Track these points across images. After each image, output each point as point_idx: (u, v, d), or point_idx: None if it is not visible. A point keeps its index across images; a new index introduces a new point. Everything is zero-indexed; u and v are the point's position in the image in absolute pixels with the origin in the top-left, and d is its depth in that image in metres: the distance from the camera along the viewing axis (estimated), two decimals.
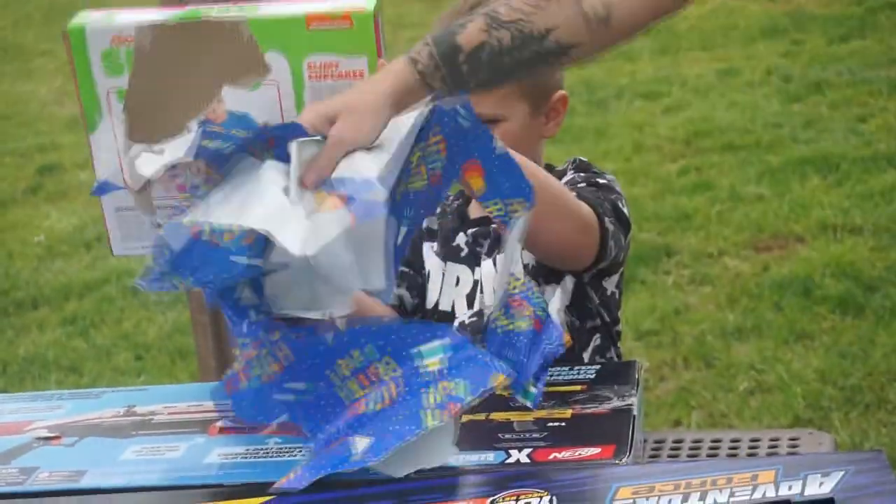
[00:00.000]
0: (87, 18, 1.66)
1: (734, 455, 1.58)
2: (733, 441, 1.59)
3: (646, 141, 6.02)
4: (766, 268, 4.59)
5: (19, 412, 1.74)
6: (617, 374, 1.65)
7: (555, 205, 1.69)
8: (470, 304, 1.93)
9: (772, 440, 1.56)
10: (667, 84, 6.86)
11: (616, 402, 1.55)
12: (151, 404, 1.71)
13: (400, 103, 1.47)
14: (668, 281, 4.57)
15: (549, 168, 1.97)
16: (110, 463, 1.53)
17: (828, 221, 4.86)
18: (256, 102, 1.58)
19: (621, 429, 1.47)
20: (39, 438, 1.63)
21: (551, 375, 1.64)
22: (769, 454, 1.55)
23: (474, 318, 1.91)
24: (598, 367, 1.68)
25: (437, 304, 1.96)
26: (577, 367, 1.68)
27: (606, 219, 1.79)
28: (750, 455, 1.57)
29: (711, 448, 1.60)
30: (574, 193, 1.79)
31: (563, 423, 1.51)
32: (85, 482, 1.49)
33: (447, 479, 1.40)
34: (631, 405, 1.54)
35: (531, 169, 1.63)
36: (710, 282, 4.54)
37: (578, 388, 1.61)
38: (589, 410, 1.54)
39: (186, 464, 1.51)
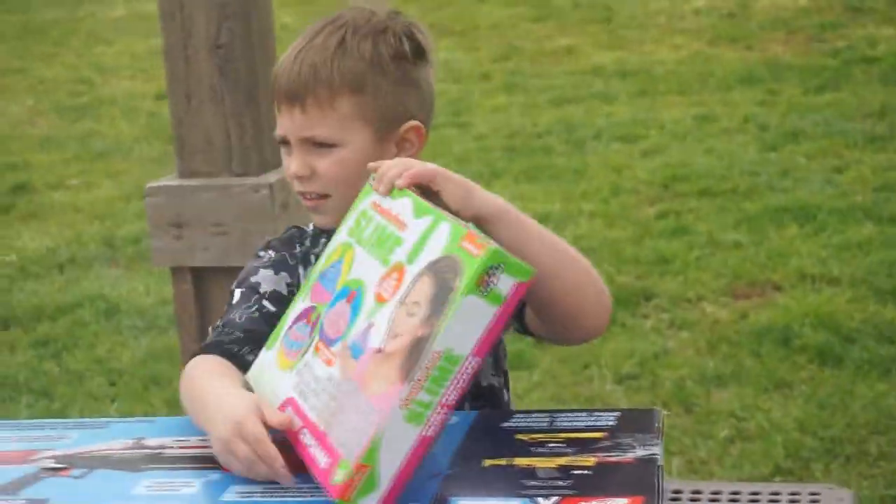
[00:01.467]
0: None
1: None
2: (753, 494, 1.57)
3: (624, 183, 6.04)
4: (745, 315, 4.61)
5: (23, 440, 1.71)
6: (637, 421, 1.63)
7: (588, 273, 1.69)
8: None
9: (792, 494, 1.55)
10: (644, 127, 6.90)
11: (640, 452, 1.53)
12: (160, 437, 1.68)
13: None
14: (646, 325, 4.57)
15: None
16: (122, 497, 1.50)
17: (806, 271, 4.88)
18: None
19: (648, 479, 1.46)
20: (47, 469, 1.59)
21: (570, 421, 1.63)
22: None
23: None
24: (617, 413, 1.66)
25: None
26: (594, 413, 1.66)
27: None
28: None
29: (732, 501, 1.58)
30: None
31: (589, 472, 1.49)
32: None
33: None
34: (655, 455, 1.52)
35: (553, 241, 1.64)
36: (688, 327, 4.55)
37: (599, 434, 1.59)
38: (613, 459, 1.52)
39: (203, 501, 1.48)
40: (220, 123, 2.71)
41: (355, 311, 1.52)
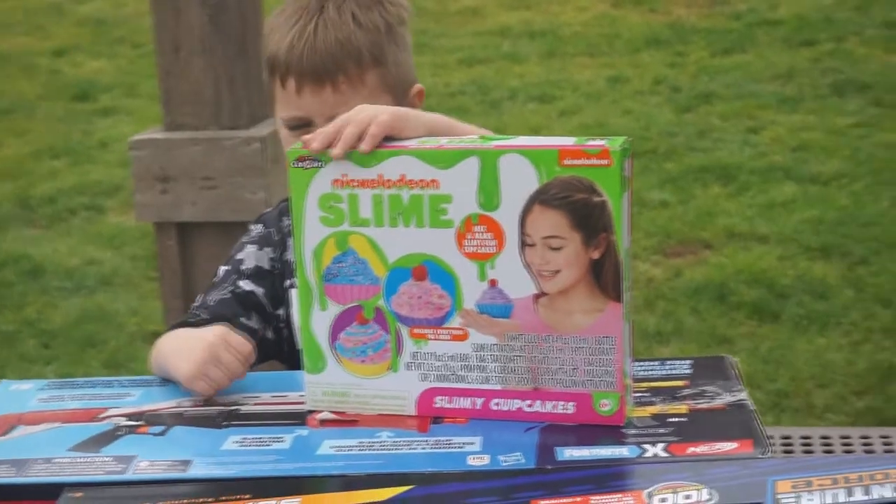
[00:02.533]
0: None
1: (830, 451, 1.59)
2: (823, 437, 1.60)
3: None
4: (679, 273, 4.68)
5: (82, 399, 1.65)
6: (712, 368, 1.64)
7: None
8: None
9: (863, 437, 1.58)
10: (558, 88, 6.93)
11: (728, 398, 1.55)
12: (228, 394, 1.63)
13: None
14: None
15: None
16: (214, 453, 1.46)
17: (734, 229, 4.97)
18: None
19: (748, 423, 1.47)
20: (122, 426, 1.54)
21: (645, 371, 1.63)
22: (866, 451, 1.56)
23: None
24: (689, 361, 1.67)
25: None
26: (666, 363, 1.67)
27: None
28: (846, 452, 1.58)
29: (804, 444, 1.60)
30: None
31: (684, 419, 1.49)
32: (194, 472, 1.42)
33: (595, 470, 1.37)
34: (744, 400, 1.53)
35: None
36: None
37: (681, 383, 1.60)
38: (703, 406, 1.53)
39: (300, 454, 1.45)
40: (210, 75, 2.64)
41: (446, 280, 1.47)
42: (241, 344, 1.62)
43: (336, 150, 1.47)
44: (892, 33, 7.51)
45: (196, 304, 1.86)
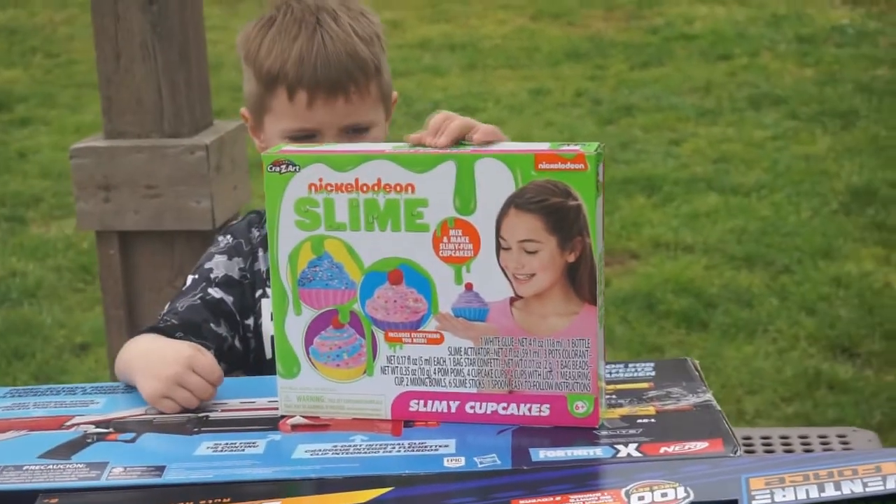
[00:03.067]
0: None
1: (790, 451, 1.62)
2: (783, 437, 1.64)
3: None
4: (607, 283, 4.71)
5: (47, 407, 1.63)
6: (675, 370, 1.67)
7: None
8: None
9: (820, 436, 1.62)
10: (481, 100, 6.98)
11: (694, 399, 1.57)
12: None
13: None
14: None
15: None
16: (188, 459, 1.45)
17: (660, 240, 5.04)
18: None
19: (716, 423, 1.50)
20: (91, 434, 1.53)
21: (607, 373, 1.65)
22: (825, 450, 1.60)
23: None
24: (651, 364, 1.70)
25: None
26: (629, 365, 1.70)
27: None
28: (806, 451, 1.61)
29: (765, 445, 1.64)
30: None
31: (653, 420, 1.52)
32: (170, 477, 1.41)
33: (571, 470, 1.39)
34: (711, 401, 1.56)
35: None
36: None
37: (645, 385, 1.63)
38: (670, 407, 1.55)
39: (276, 458, 1.45)
40: (152, 83, 2.62)
41: (422, 284, 1.48)
42: (211, 367, 1.60)
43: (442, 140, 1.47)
44: (803, 48, 7.68)
45: (164, 310, 1.86)
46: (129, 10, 2.60)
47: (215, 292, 1.83)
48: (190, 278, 1.89)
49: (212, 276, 1.86)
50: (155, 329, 1.77)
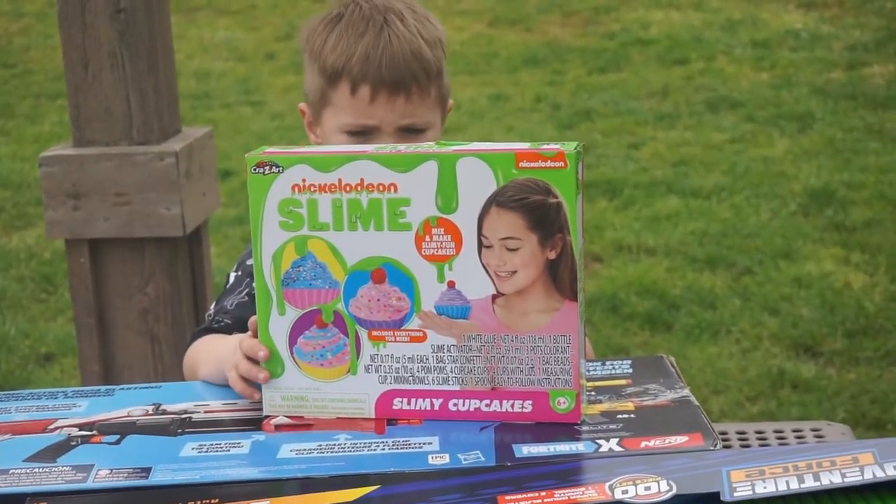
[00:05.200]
0: None
1: (766, 445, 1.65)
2: (758, 432, 1.66)
3: None
4: None
5: (28, 411, 1.63)
6: (651, 367, 1.70)
7: None
8: None
9: (795, 430, 1.65)
10: None
11: (671, 395, 1.60)
12: (177, 402, 1.64)
13: None
14: None
15: None
16: (174, 460, 1.46)
17: (622, 242, 5.08)
18: None
19: (695, 418, 1.52)
20: (75, 436, 1.53)
21: (586, 371, 1.67)
22: (800, 444, 1.63)
23: None
24: (628, 361, 1.72)
25: None
26: (607, 362, 1.72)
27: None
28: (782, 445, 1.64)
29: (741, 440, 1.66)
30: None
31: (633, 415, 1.54)
32: (156, 479, 1.41)
33: (555, 466, 1.40)
34: (689, 396, 1.59)
35: None
36: None
37: (623, 381, 1.65)
38: (649, 403, 1.58)
39: (261, 459, 1.46)
40: (120, 90, 2.62)
41: (404, 282, 1.50)
42: (253, 346, 1.59)
43: None
44: (758, 52, 7.76)
45: (212, 310, 1.88)
46: (96, 18, 2.59)
47: None
48: (232, 275, 1.91)
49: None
50: (210, 331, 1.80)
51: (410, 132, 1.85)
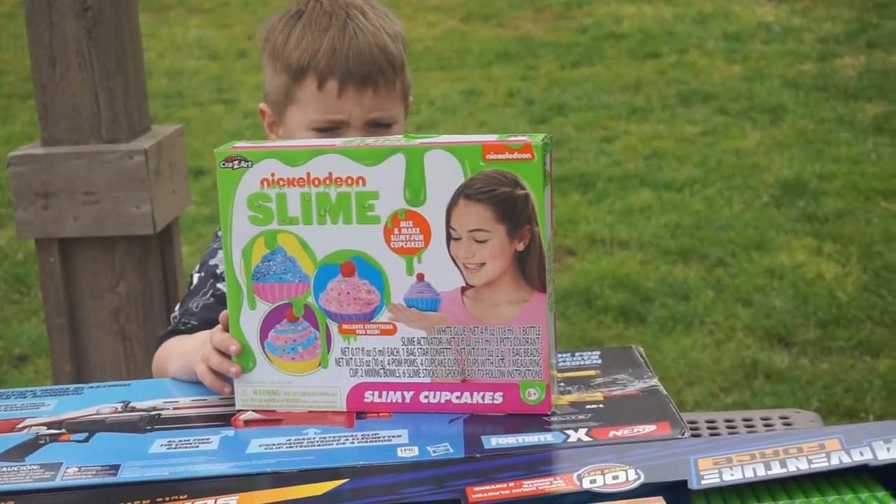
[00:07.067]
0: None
1: (735, 432, 1.66)
2: (727, 421, 1.67)
3: None
4: None
5: None
6: (621, 358, 1.70)
7: None
8: None
9: (764, 418, 1.65)
10: (414, 102, 6.99)
11: (640, 384, 1.60)
12: (146, 400, 1.63)
13: None
14: None
15: None
16: (143, 457, 1.46)
17: (595, 236, 5.09)
18: None
19: (664, 407, 1.53)
20: (44, 435, 1.53)
21: (557, 362, 1.68)
22: (767, 431, 1.64)
23: None
24: (598, 352, 1.73)
25: None
26: (576, 354, 1.72)
27: None
28: (750, 432, 1.65)
29: (710, 428, 1.67)
30: None
31: (601, 405, 1.54)
32: (125, 475, 1.41)
33: (523, 457, 1.41)
34: (657, 386, 1.59)
35: None
36: None
37: (592, 372, 1.65)
38: (617, 393, 1.58)
39: (230, 454, 1.46)
40: (89, 89, 2.61)
41: (374, 275, 1.50)
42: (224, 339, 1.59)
43: None
44: (730, 45, 7.78)
45: (177, 312, 1.88)
46: (63, 17, 2.58)
47: (224, 287, 1.84)
48: (196, 276, 1.90)
49: (218, 271, 1.87)
50: (177, 333, 1.80)
51: (378, 126, 1.85)
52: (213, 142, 6.29)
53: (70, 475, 1.42)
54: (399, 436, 1.48)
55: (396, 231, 1.48)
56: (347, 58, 1.81)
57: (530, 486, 1.34)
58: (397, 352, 1.51)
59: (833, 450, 1.38)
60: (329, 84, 1.82)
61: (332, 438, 1.48)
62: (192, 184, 5.76)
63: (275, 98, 1.89)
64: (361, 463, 1.42)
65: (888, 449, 1.36)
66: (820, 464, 1.35)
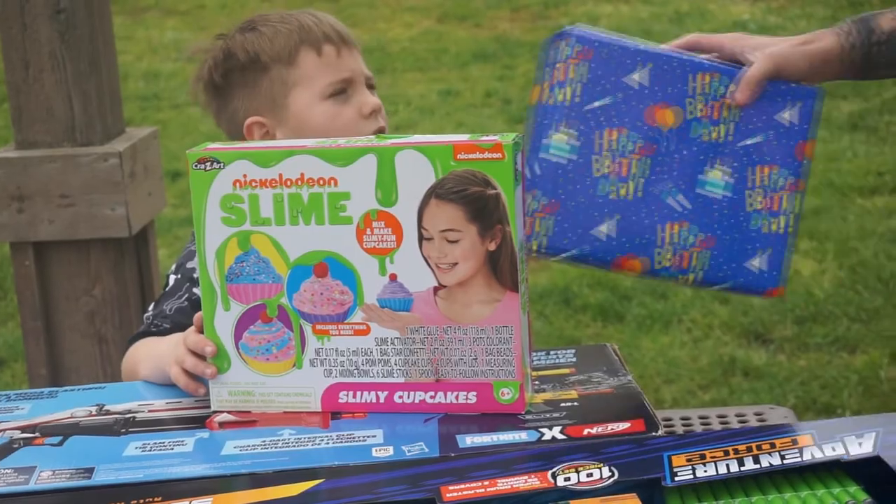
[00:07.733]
0: None
1: (709, 428, 1.67)
2: (702, 417, 1.68)
3: None
4: None
5: None
6: (595, 356, 1.71)
7: None
8: None
9: (738, 415, 1.66)
10: (391, 103, 6.99)
11: (614, 382, 1.61)
12: (121, 402, 1.63)
13: (813, 67, 1.66)
14: None
15: None
16: (117, 460, 1.46)
17: None
18: None
19: (637, 404, 1.53)
20: (17, 439, 1.52)
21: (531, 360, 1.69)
22: (741, 425, 1.64)
23: None
24: (573, 350, 1.73)
25: None
26: (551, 352, 1.73)
27: None
28: (724, 428, 1.66)
29: (685, 425, 1.68)
30: None
31: (576, 403, 1.55)
32: (99, 478, 1.41)
33: (498, 455, 1.41)
34: (631, 383, 1.60)
35: None
36: None
37: (567, 370, 1.66)
38: (592, 390, 1.59)
39: (205, 456, 1.46)
40: (63, 92, 2.61)
41: (347, 276, 1.50)
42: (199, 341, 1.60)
43: None
44: None
45: (150, 312, 1.87)
46: (36, 19, 2.58)
47: (199, 291, 1.84)
48: (172, 278, 1.90)
49: (195, 276, 1.86)
50: (148, 335, 1.79)
51: (370, 88, 1.91)
52: (189, 144, 6.27)
53: (44, 479, 1.42)
54: (374, 436, 1.48)
55: (369, 231, 1.48)
56: (328, 24, 1.87)
57: (505, 484, 1.34)
58: (371, 352, 1.51)
59: (806, 445, 1.39)
60: (326, 48, 1.86)
61: (307, 439, 1.48)
62: (169, 186, 5.75)
63: (267, 105, 1.89)
64: (337, 463, 1.42)
65: (860, 444, 1.37)
66: (793, 459, 1.36)
